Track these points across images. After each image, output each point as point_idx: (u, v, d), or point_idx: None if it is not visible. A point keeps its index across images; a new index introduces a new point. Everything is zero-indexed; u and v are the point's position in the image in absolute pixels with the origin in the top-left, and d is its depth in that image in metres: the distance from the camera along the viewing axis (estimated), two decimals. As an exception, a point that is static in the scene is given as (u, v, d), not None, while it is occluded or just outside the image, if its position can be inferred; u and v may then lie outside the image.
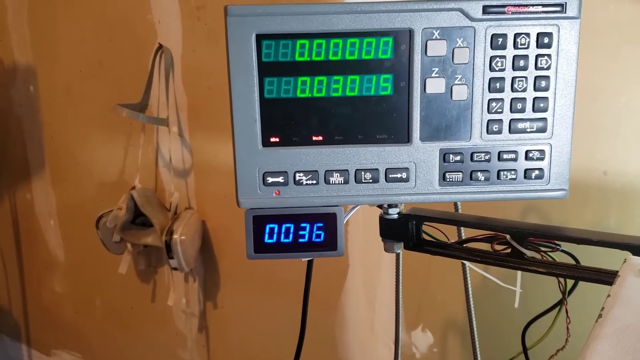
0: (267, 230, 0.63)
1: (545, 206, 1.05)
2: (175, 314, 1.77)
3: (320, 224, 0.63)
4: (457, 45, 0.58)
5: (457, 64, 0.58)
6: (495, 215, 0.69)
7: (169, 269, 1.58)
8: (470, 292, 0.82)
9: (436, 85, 0.59)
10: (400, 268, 0.85)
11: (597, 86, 0.96)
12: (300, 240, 0.64)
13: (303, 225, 0.63)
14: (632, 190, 0.97)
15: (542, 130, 0.60)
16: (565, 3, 0.57)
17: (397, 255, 0.83)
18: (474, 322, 0.84)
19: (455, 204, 0.77)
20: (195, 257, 1.57)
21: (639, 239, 0.61)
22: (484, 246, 0.70)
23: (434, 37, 0.58)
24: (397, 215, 0.71)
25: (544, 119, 0.60)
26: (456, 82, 0.59)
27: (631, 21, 0.92)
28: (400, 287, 0.87)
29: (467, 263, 0.79)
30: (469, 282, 0.82)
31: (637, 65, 0.93)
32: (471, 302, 0.83)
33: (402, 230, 0.72)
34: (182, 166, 1.59)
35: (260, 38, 0.58)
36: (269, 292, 1.57)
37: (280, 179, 0.61)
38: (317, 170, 0.61)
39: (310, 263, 0.75)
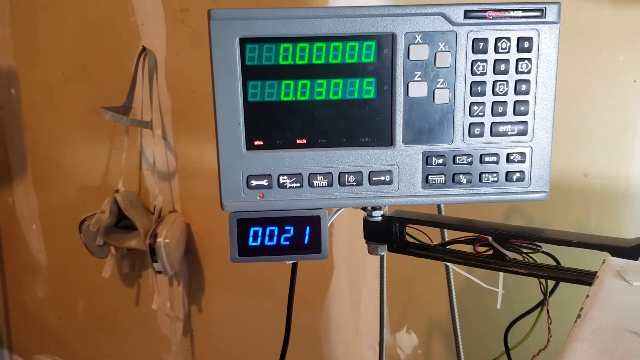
0: (251, 233, 0.63)
1: (528, 208, 1.06)
2: (160, 317, 1.76)
3: (305, 227, 0.63)
4: (439, 50, 0.59)
5: (439, 67, 0.59)
6: (479, 217, 0.70)
7: (153, 272, 1.57)
8: (454, 293, 0.83)
9: (419, 89, 0.59)
10: (385, 270, 0.86)
11: (579, 90, 0.97)
12: (285, 243, 0.64)
13: (287, 228, 0.63)
14: (612, 192, 0.99)
15: (523, 133, 0.61)
16: (545, 8, 0.58)
17: (382, 257, 0.84)
18: (458, 323, 0.84)
19: (439, 206, 0.78)
20: (180, 261, 1.56)
21: (618, 241, 0.62)
22: (467, 248, 0.70)
23: (416, 42, 0.58)
24: (380, 218, 0.72)
25: (525, 122, 0.60)
26: (438, 85, 0.59)
27: (611, 25, 0.94)
28: (385, 289, 0.88)
29: (451, 265, 0.80)
30: (453, 283, 0.83)
31: (616, 69, 0.95)
32: (455, 304, 0.84)
33: (386, 233, 0.72)
34: (166, 169, 1.58)
35: (244, 42, 0.58)
36: (253, 295, 1.57)
37: (264, 182, 0.61)
38: (301, 173, 0.61)
39: (294, 266, 0.75)
